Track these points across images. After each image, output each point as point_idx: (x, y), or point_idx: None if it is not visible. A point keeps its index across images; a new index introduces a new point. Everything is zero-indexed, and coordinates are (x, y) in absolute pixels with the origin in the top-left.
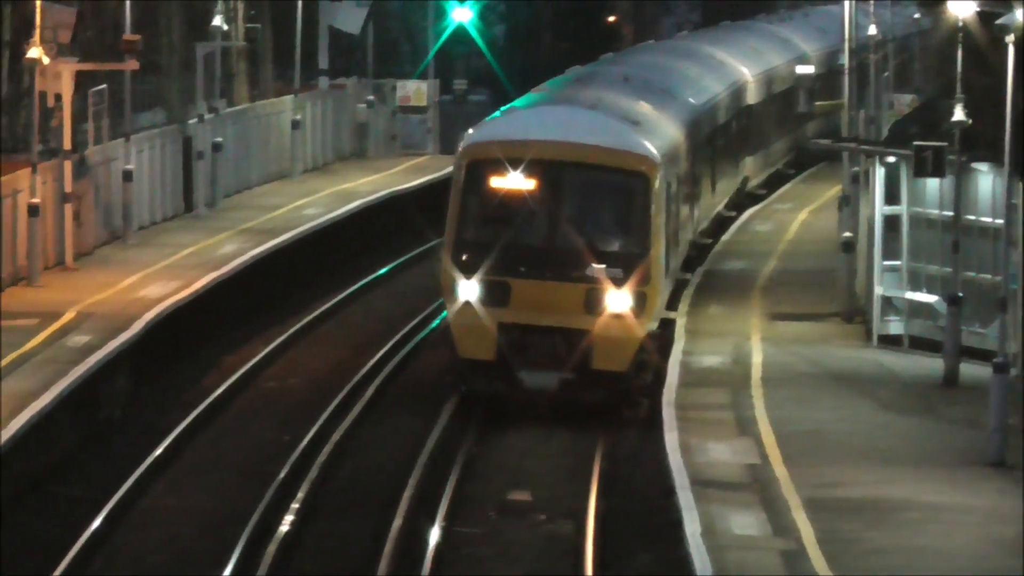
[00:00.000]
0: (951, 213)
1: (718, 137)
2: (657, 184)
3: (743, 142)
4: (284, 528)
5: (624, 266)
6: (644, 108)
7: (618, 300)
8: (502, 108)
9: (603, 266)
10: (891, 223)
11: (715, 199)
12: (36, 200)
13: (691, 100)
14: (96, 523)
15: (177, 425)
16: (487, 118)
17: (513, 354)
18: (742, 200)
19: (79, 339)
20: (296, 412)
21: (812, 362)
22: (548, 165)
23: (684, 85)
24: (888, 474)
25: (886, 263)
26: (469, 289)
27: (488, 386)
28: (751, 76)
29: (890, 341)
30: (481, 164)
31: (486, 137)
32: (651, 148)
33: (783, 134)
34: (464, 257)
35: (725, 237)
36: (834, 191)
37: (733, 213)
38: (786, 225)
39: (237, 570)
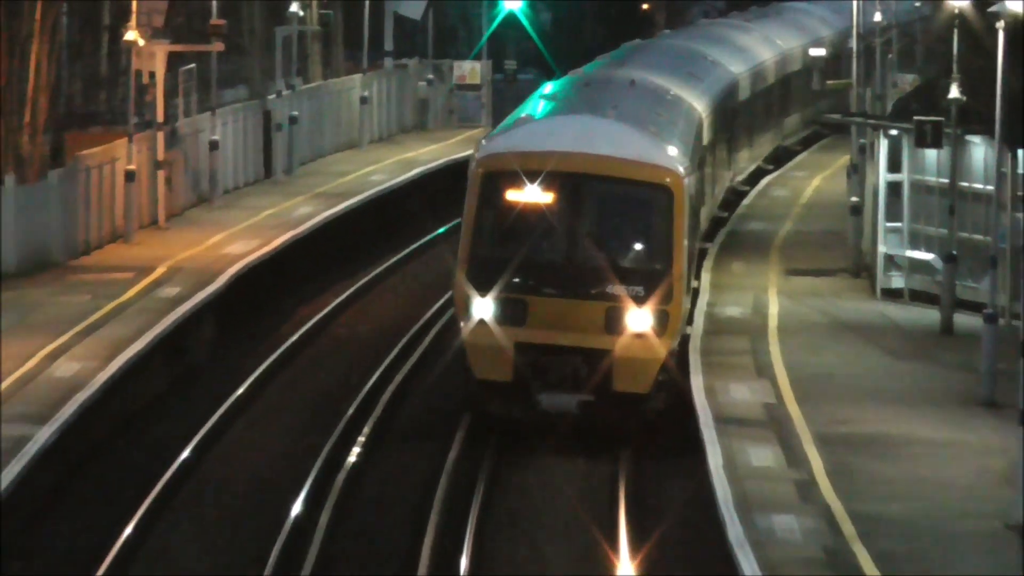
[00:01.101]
0: (948, 180)
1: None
2: (681, 198)
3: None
4: (352, 459)
5: (646, 284)
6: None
7: (640, 319)
8: (516, 115)
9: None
10: (894, 189)
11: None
12: (132, 167)
13: (732, 69)
14: (184, 454)
15: (257, 368)
16: (500, 126)
17: (531, 375)
18: (780, 155)
19: (170, 291)
20: (363, 356)
21: (823, 313)
22: (567, 178)
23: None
24: (890, 413)
25: (889, 224)
26: (484, 307)
27: (504, 409)
28: (787, 49)
29: (892, 294)
30: (497, 176)
31: (502, 148)
32: (675, 160)
33: (802, 108)
34: (479, 273)
35: (746, 201)
36: (843, 160)
37: (771, 167)
38: (800, 191)
39: (311, 495)
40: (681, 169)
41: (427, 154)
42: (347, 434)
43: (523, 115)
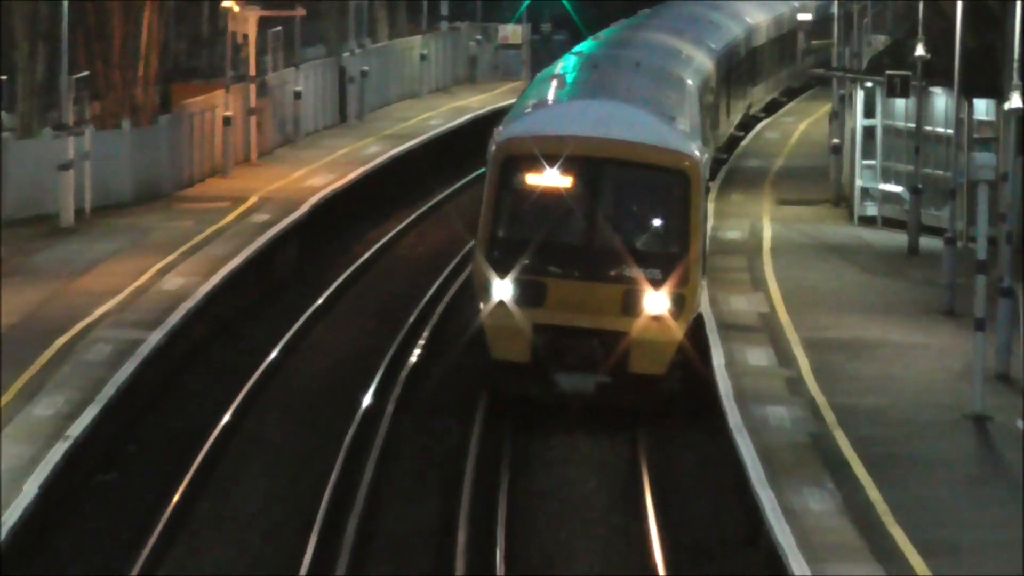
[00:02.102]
0: (914, 125)
1: (757, 55)
2: (697, 182)
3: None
4: (412, 359)
5: (663, 267)
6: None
7: (656, 302)
8: (529, 95)
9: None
10: (868, 132)
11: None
12: (229, 113)
13: (747, 19)
14: (272, 355)
15: (333, 283)
16: (514, 110)
17: (548, 356)
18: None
19: (260, 217)
20: (422, 272)
21: (808, 236)
22: (586, 162)
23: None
24: (865, 320)
25: (864, 162)
26: (503, 289)
27: (522, 389)
28: (780, 13)
29: (867, 221)
30: (517, 160)
31: (522, 132)
32: (691, 144)
33: (788, 64)
34: (498, 256)
35: (744, 142)
36: (826, 108)
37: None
38: (790, 134)
39: (379, 389)
40: (697, 153)
41: (476, 102)
42: (409, 337)
43: (539, 99)
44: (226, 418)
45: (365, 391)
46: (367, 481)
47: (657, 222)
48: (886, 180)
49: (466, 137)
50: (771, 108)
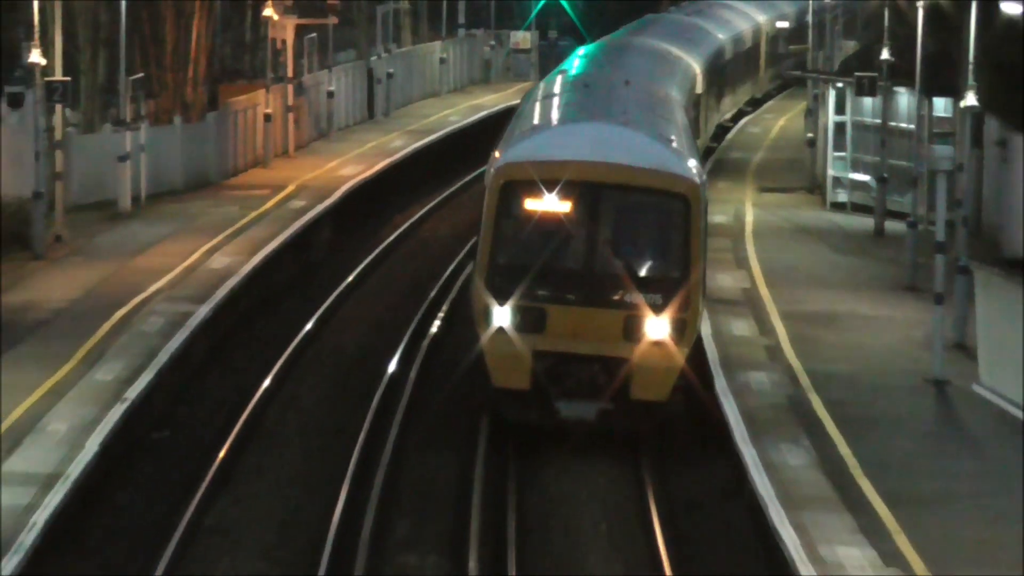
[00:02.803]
0: (880, 120)
1: (739, 61)
2: (697, 206)
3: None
4: (433, 330)
5: (664, 292)
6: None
7: (658, 327)
8: (527, 121)
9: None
10: (839, 127)
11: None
12: (269, 110)
13: (719, 36)
14: (308, 326)
15: (363, 261)
16: (509, 135)
17: (549, 383)
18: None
19: (297, 203)
20: (443, 251)
21: (786, 220)
22: (586, 187)
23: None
24: (837, 294)
25: (836, 154)
26: (503, 315)
27: (523, 416)
28: (763, 22)
29: (838, 206)
30: (516, 185)
31: (521, 157)
32: (691, 169)
33: (772, 66)
34: (498, 282)
35: (729, 136)
36: (802, 106)
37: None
38: (770, 128)
39: (403, 356)
40: (696, 177)
41: (490, 101)
42: (430, 310)
43: (534, 120)
44: (266, 383)
45: (391, 358)
46: (392, 439)
47: (657, 247)
48: (855, 170)
49: (481, 131)
50: (755, 104)
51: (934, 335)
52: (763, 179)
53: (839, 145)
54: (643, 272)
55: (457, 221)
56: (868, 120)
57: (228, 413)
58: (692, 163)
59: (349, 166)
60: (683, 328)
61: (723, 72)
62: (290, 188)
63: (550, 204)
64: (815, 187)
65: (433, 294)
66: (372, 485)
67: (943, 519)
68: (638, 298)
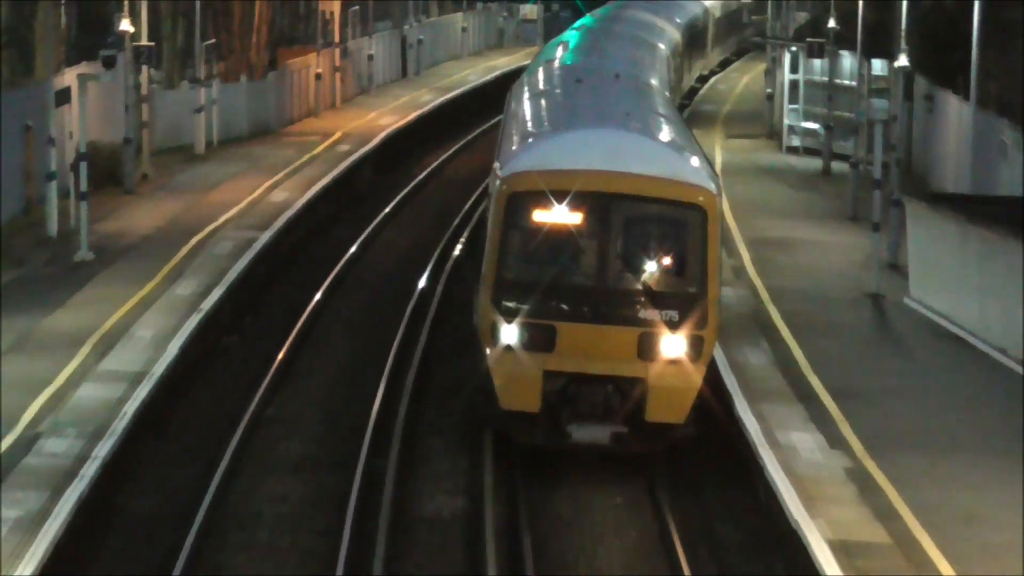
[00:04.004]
0: (827, 78)
1: (708, 32)
2: (715, 217)
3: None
4: (455, 252)
5: (680, 308)
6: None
7: (674, 345)
8: (531, 127)
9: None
10: (793, 84)
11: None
12: (319, 71)
13: (694, 9)
14: (352, 249)
15: (398, 195)
16: (520, 144)
17: (560, 405)
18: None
19: (343, 148)
20: (465, 187)
21: (749, 162)
22: (597, 197)
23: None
24: (792, 223)
25: (791, 106)
26: (511, 333)
27: (532, 440)
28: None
29: (793, 150)
30: (523, 196)
31: (528, 166)
32: (707, 178)
33: (737, 34)
34: (505, 298)
35: (701, 92)
36: (762, 67)
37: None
38: (735, 85)
39: (431, 274)
40: (713, 186)
41: (503, 63)
42: (454, 236)
43: (533, 126)
44: (318, 296)
45: (421, 275)
46: (421, 343)
47: (673, 260)
48: (807, 120)
49: (495, 88)
50: (723, 64)
51: (872, 257)
52: (730, 127)
53: (793, 99)
54: (658, 287)
55: (474, 163)
56: (817, 78)
57: (286, 321)
58: (706, 170)
59: (386, 117)
60: (701, 346)
61: (696, 38)
62: (337, 135)
63: (559, 216)
64: (773, 134)
65: (456, 221)
66: (404, 383)
67: (878, 409)
68: (653, 314)
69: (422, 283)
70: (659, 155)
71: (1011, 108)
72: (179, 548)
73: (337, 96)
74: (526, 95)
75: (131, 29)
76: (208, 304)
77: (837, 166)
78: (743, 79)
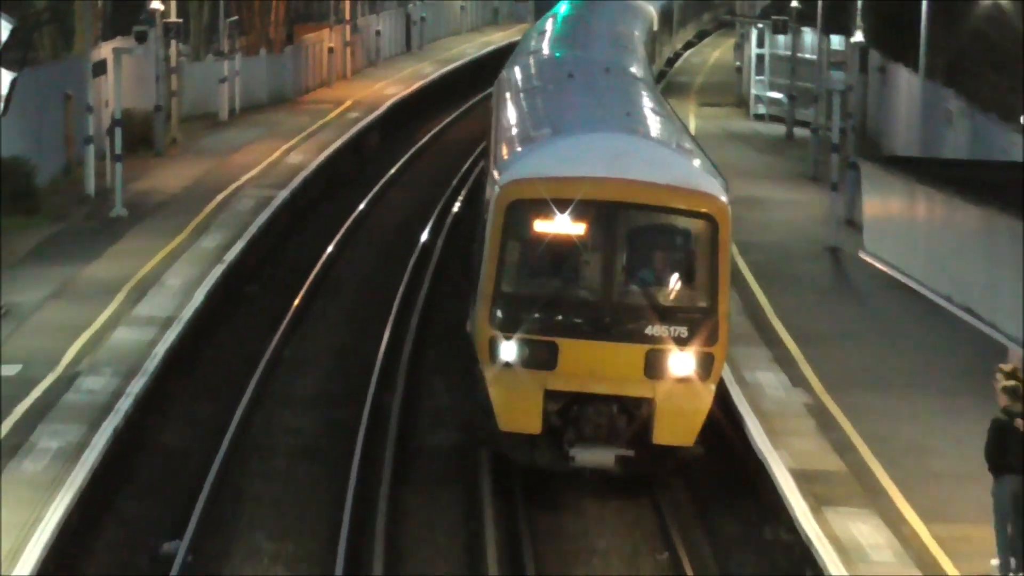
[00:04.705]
0: (790, 52)
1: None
2: (726, 227)
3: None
4: (455, 209)
5: (689, 324)
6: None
7: (683, 363)
8: (526, 130)
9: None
10: (760, 58)
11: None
12: (332, 45)
13: None
14: (361, 206)
15: (402, 157)
16: (524, 149)
17: (562, 427)
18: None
19: (353, 114)
20: (463, 150)
21: (720, 128)
22: (602, 206)
23: None
24: (758, 183)
25: (757, 77)
26: (510, 350)
27: (533, 463)
28: None
29: (759, 118)
30: (523, 205)
31: (528, 173)
32: (718, 185)
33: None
34: (504, 313)
35: (677, 64)
36: (732, 41)
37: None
38: (707, 58)
39: (433, 229)
40: (724, 194)
41: (498, 38)
42: (453, 194)
43: (529, 130)
44: (330, 248)
45: (423, 230)
46: (424, 291)
47: (682, 273)
48: (772, 90)
49: (490, 60)
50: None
51: (830, 214)
52: (703, 96)
53: (760, 71)
54: (666, 301)
55: (472, 128)
56: (781, 52)
57: (301, 271)
58: (715, 175)
59: (392, 86)
60: (710, 364)
61: (675, 14)
62: (348, 103)
63: (561, 226)
64: (741, 103)
65: (455, 181)
66: (409, 325)
67: (836, 352)
68: (660, 330)
69: (424, 237)
70: (666, 161)
71: (956, 79)
72: (205, 475)
73: (348, 68)
74: (518, 89)
75: (161, 7)
76: (231, 256)
77: (799, 132)
78: (715, 53)
